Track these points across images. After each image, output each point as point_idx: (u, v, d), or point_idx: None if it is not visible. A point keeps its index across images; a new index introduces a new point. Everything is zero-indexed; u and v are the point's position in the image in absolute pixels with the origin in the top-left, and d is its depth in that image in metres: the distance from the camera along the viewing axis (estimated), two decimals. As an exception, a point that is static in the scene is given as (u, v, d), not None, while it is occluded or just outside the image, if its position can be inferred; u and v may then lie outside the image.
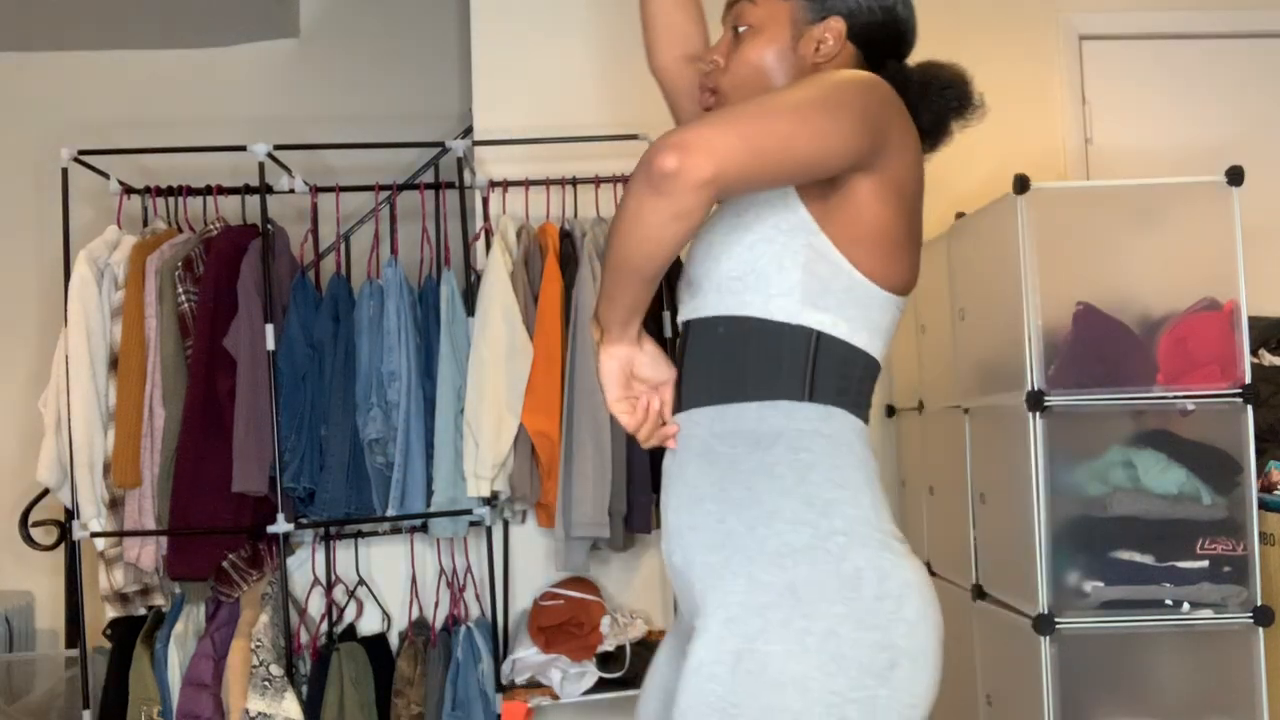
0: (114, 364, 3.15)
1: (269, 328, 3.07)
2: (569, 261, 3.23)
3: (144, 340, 3.13)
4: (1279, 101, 3.71)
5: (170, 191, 3.36)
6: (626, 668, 3.13)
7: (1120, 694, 2.44)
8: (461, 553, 3.35)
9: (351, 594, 3.32)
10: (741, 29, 1.48)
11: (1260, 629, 2.38)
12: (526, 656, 3.16)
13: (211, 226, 3.29)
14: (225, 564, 3.10)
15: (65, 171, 3.18)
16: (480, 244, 3.37)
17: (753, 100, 1.24)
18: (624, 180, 3.38)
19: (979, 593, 2.78)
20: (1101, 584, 2.40)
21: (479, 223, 3.38)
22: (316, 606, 3.26)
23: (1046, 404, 2.41)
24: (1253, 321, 2.54)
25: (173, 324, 3.15)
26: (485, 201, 3.39)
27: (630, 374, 1.40)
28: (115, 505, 3.14)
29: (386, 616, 3.36)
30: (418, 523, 3.24)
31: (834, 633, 1.24)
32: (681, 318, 1.47)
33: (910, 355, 3.40)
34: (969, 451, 2.83)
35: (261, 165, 3.20)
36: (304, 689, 3.10)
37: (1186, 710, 2.44)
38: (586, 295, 3.13)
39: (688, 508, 1.36)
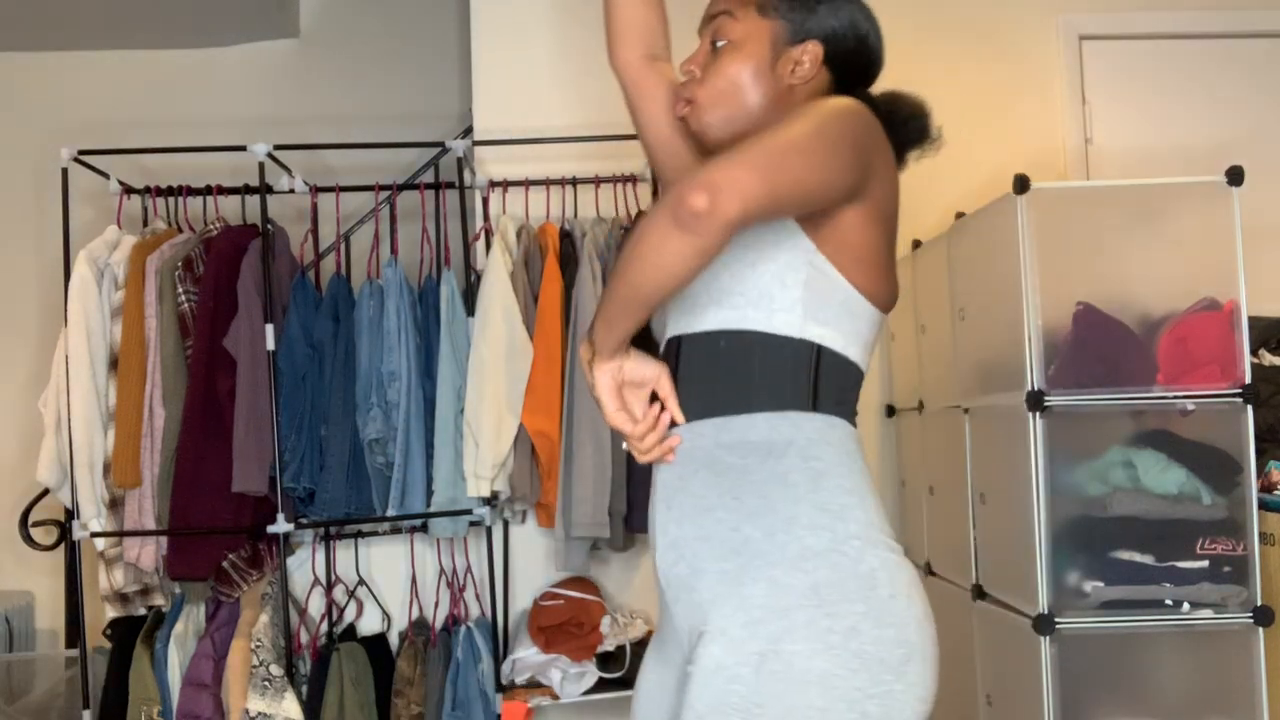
0: (114, 364, 3.15)
1: (269, 328, 3.07)
2: (569, 261, 3.23)
3: (144, 340, 3.13)
4: (1279, 101, 3.71)
5: (170, 191, 3.36)
6: (626, 668, 3.13)
7: (1120, 694, 2.44)
8: (461, 553, 3.35)
9: (351, 594, 3.32)
10: (721, 43, 1.51)
11: (1260, 629, 2.38)
12: (526, 656, 3.16)
13: (211, 226, 3.29)
14: (225, 564, 3.10)
15: (65, 171, 3.18)
16: (480, 244, 3.37)
17: (764, 137, 1.27)
18: (624, 180, 3.38)
19: (979, 593, 2.78)
20: (1101, 584, 2.40)
21: (479, 223, 3.38)
22: (316, 606, 3.26)
23: (1046, 404, 2.41)
24: (1253, 321, 2.53)
25: (173, 324, 3.15)
26: (485, 201, 3.39)
27: (622, 382, 1.42)
28: (115, 505, 3.14)
29: (386, 616, 3.36)
30: (418, 523, 3.24)
31: (855, 630, 1.29)
32: (672, 332, 1.49)
33: (910, 355, 3.40)
34: (969, 451, 2.83)
35: (261, 165, 3.20)
36: (304, 689, 3.10)
37: (1186, 710, 2.44)
38: (586, 295, 3.13)
39: (694, 518, 1.39)
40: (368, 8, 4.77)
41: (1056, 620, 2.38)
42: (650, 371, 1.42)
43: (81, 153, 3.23)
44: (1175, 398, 2.43)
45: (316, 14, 4.77)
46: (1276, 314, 3.08)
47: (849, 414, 1.44)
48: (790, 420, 1.38)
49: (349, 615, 3.32)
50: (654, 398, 1.44)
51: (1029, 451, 2.41)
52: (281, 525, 3.02)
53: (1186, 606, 2.38)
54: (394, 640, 3.35)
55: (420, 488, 3.15)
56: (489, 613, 3.28)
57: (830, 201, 1.34)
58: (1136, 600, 2.39)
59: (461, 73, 4.48)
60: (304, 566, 3.27)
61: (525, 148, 3.47)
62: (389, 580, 3.38)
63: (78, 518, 3.12)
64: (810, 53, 1.49)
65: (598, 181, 3.36)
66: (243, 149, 3.15)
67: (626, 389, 1.42)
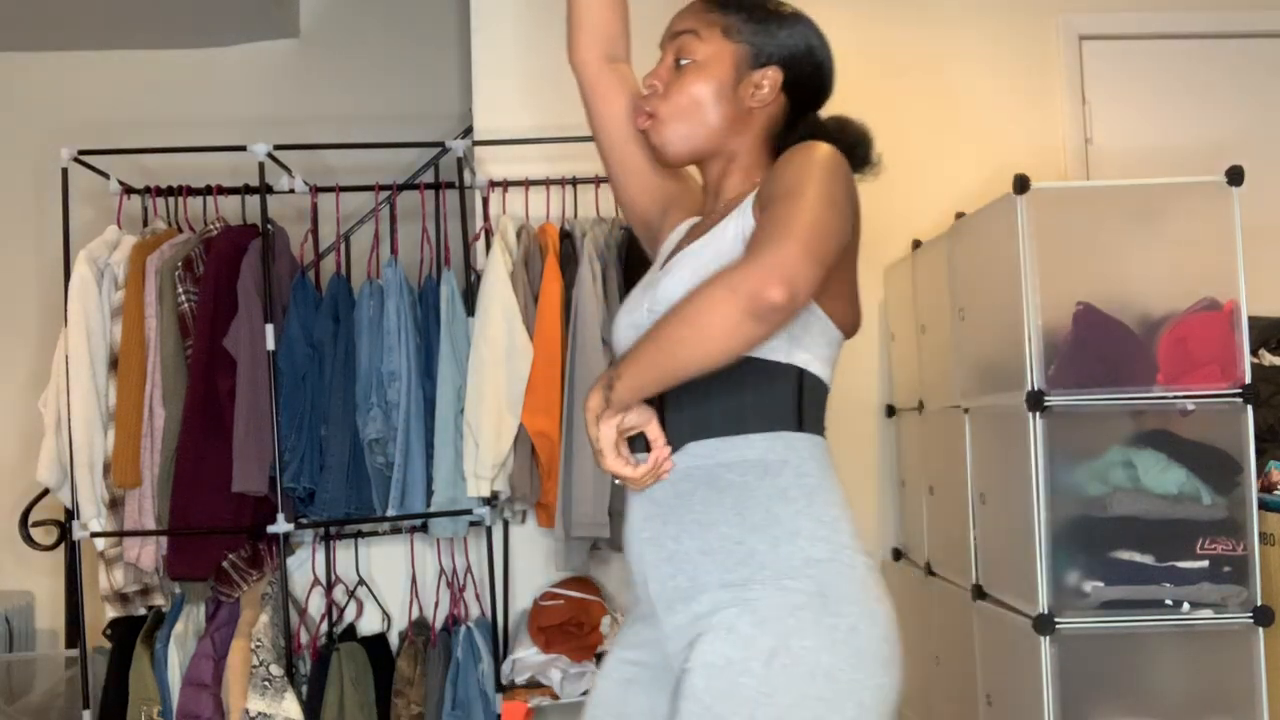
0: (114, 364, 3.15)
1: (269, 328, 3.07)
2: (569, 261, 3.23)
3: (144, 340, 3.13)
4: (1279, 101, 3.71)
5: (170, 191, 3.36)
6: (626, 668, 3.13)
7: (1120, 694, 2.44)
8: (461, 553, 3.35)
9: (351, 594, 3.32)
10: (685, 61, 1.58)
11: (1260, 629, 2.37)
12: (526, 656, 3.16)
13: (211, 226, 3.29)
14: (225, 564, 3.10)
15: (65, 171, 3.18)
16: (480, 244, 3.37)
17: (802, 214, 1.35)
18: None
19: (979, 593, 2.78)
20: (1101, 584, 2.40)
21: (479, 223, 3.38)
22: (316, 606, 3.26)
23: (1046, 404, 2.41)
24: (1253, 321, 2.53)
25: (173, 324, 3.15)
26: (485, 201, 3.39)
27: (623, 431, 1.47)
28: (115, 505, 3.14)
29: (386, 616, 3.36)
30: (418, 523, 3.24)
31: (856, 629, 1.40)
32: None
33: (910, 355, 3.40)
34: (969, 451, 2.83)
35: (261, 165, 3.20)
36: (304, 689, 3.10)
37: (1186, 710, 2.44)
38: (586, 295, 3.13)
39: (695, 533, 1.46)
40: (368, 8, 4.77)
41: (1056, 620, 2.38)
42: (645, 417, 1.48)
43: (81, 153, 3.23)
44: (1175, 398, 2.43)
45: (316, 14, 4.77)
46: (1276, 314, 3.08)
47: (823, 430, 1.55)
48: (783, 440, 1.47)
49: (349, 615, 3.32)
50: (640, 438, 1.49)
51: (1029, 451, 2.41)
52: (281, 525, 3.02)
53: (1186, 606, 2.38)
54: (394, 640, 3.35)
55: (420, 488, 3.15)
56: (489, 613, 3.28)
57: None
58: (1136, 600, 2.39)
59: (461, 73, 4.48)
60: (304, 566, 3.27)
61: (525, 148, 3.46)
62: (389, 580, 3.38)
63: (78, 518, 3.12)
64: (770, 78, 1.57)
65: (598, 181, 3.36)
66: (243, 149, 3.15)
67: (620, 430, 1.48)
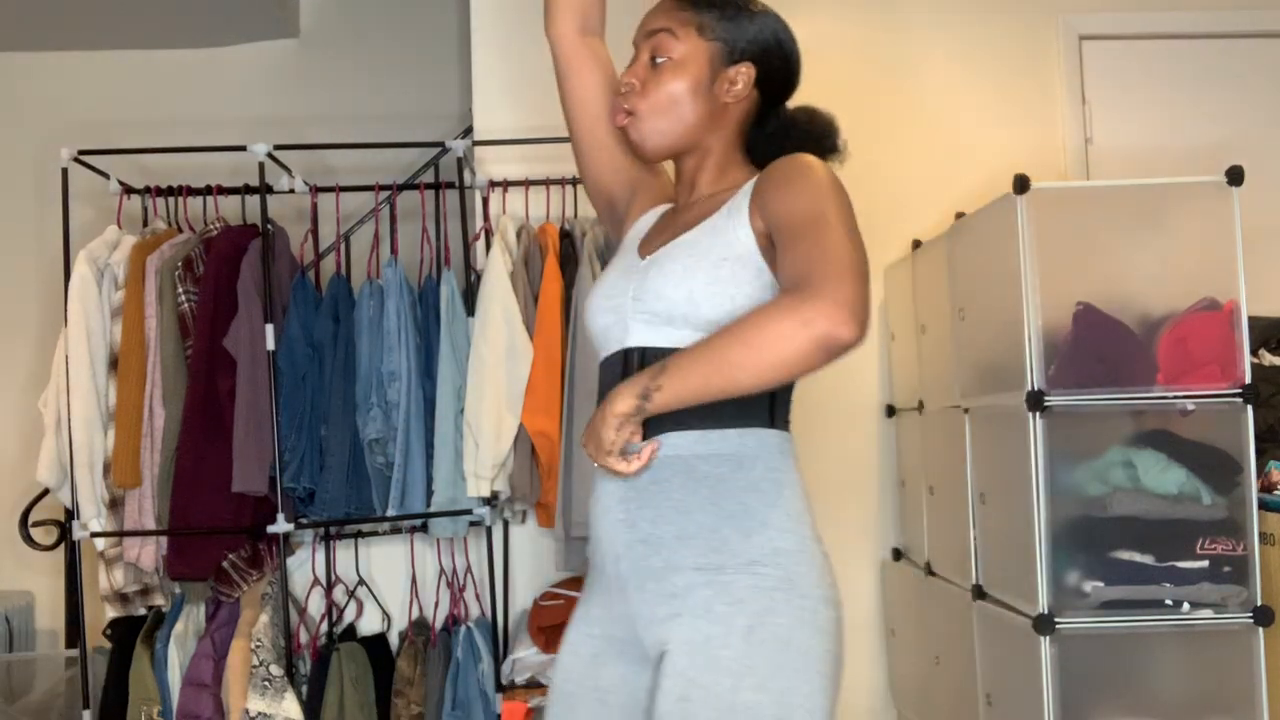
0: (114, 364, 3.15)
1: (269, 328, 3.07)
2: (569, 261, 3.23)
3: (144, 340, 3.13)
4: (1279, 101, 3.71)
5: (170, 191, 3.36)
6: (626, 668, 3.13)
7: (1120, 694, 2.44)
8: (461, 553, 3.35)
9: (351, 594, 3.32)
10: (661, 59, 1.64)
11: (1260, 629, 2.37)
12: (526, 656, 3.16)
13: (211, 226, 3.29)
14: (225, 564, 3.10)
15: (65, 171, 3.18)
16: (480, 244, 3.37)
17: (845, 246, 1.42)
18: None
19: (979, 593, 2.78)
20: (1101, 584, 2.40)
21: (479, 223, 3.38)
22: (316, 606, 3.26)
23: (1046, 404, 2.41)
24: (1253, 321, 2.53)
25: (173, 324, 3.15)
26: (485, 201, 3.39)
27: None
28: (115, 505, 3.14)
29: (386, 616, 3.36)
30: (418, 523, 3.24)
31: (818, 610, 1.51)
32: (636, 344, 1.59)
33: (910, 355, 3.40)
34: (969, 451, 2.83)
35: (261, 165, 3.20)
36: (304, 689, 3.10)
37: (1186, 710, 2.44)
38: (586, 295, 3.12)
39: (672, 519, 1.54)
40: (368, 8, 4.77)
41: (1056, 620, 2.38)
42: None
43: (81, 153, 3.23)
44: (1175, 398, 2.43)
45: (316, 14, 4.77)
46: (1276, 314, 3.08)
47: (789, 425, 1.63)
48: (756, 435, 1.56)
49: (349, 615, 3.32)
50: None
51: (1029, 451, 2.41)
52: (281, 525, 3.02)
53: (1186, 606, 2.38)
54: (394, 640, 3.35)
55: (420, 488, 3.15)
56: (489, 613, 3.28)
57: None
58: (1136, 600, 2.39)
59: (461, 73, 4.47)
60: (304, 566, 3.27)
61: (525, 148, 3.46)
62: (389, 580, 3.38)
63: (78, 518, 3.12)
64: (744, 74, 1.64)
65: (598, 181, 3.35)
66: (243, 149, 3.15)
67: None
